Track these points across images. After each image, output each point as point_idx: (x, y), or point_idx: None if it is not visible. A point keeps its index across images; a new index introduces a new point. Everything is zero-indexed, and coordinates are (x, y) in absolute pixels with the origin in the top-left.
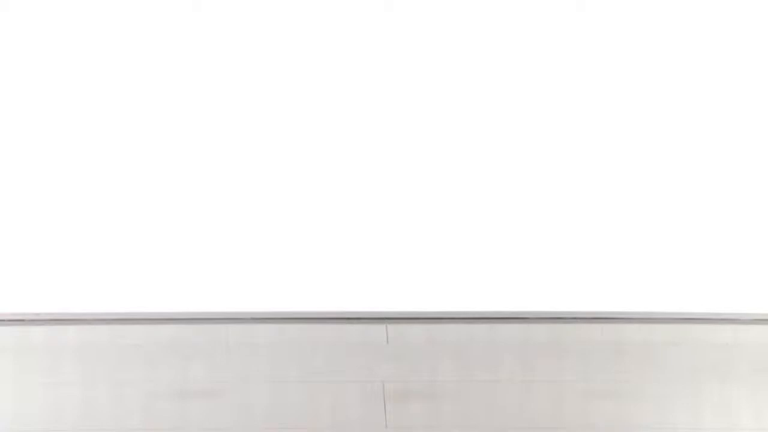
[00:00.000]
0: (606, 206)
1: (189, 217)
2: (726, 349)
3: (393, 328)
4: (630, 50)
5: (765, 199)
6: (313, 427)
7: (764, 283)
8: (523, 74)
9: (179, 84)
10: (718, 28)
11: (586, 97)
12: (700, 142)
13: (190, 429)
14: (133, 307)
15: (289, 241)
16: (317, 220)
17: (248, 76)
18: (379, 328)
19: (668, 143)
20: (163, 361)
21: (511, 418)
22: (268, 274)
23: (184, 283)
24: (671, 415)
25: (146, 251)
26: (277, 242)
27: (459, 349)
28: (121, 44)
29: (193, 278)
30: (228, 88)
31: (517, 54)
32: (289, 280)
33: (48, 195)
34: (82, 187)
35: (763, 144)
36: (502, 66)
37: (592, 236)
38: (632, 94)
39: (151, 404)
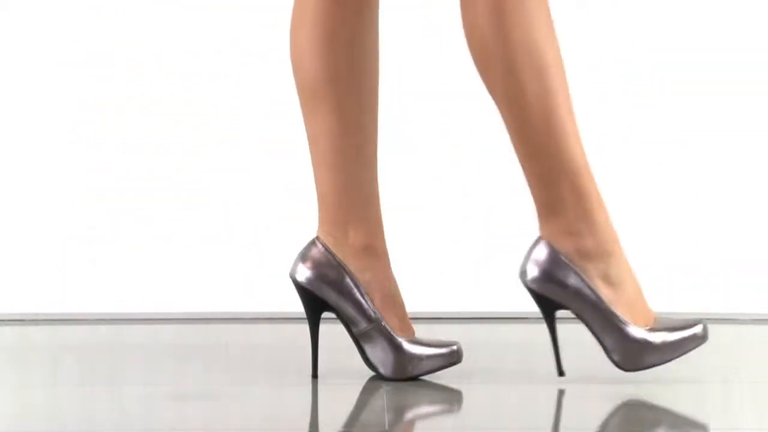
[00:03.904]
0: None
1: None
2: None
3: None
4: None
5: (765, 199)
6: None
7: (764, 283)
8: None
9: (179, 84)
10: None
11: (585, 96)
12: (699, 141)
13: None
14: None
15: (289, 240)
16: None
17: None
18: None
19: (667, 141)
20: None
21: (510, 420)
22: (269, 275)
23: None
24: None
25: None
26: (277, 242)
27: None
28: (119, 43)
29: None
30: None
31: None
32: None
33: (48, 195)
34: (83, 187)
35: (763, 143)
36: None
37: None
38: (634, 93)
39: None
